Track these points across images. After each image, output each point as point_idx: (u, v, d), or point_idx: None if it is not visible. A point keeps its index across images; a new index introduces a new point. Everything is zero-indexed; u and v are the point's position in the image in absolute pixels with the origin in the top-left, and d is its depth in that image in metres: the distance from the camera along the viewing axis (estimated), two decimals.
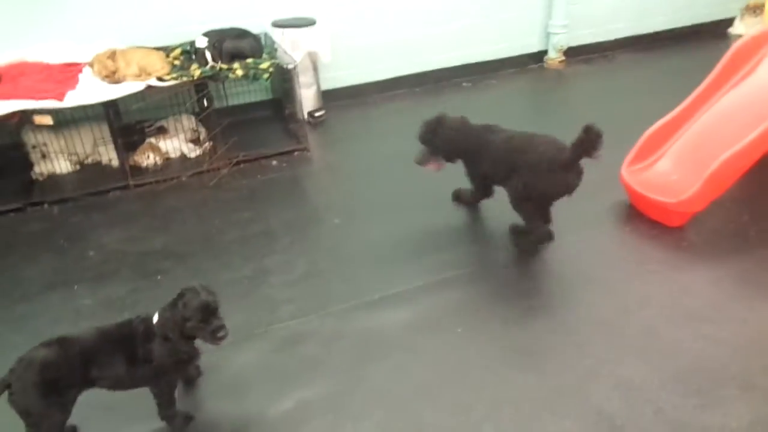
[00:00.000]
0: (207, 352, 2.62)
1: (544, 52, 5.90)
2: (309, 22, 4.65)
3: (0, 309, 3.01)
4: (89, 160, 4.35)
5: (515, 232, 3.23)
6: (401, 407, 2.35)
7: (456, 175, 3.52)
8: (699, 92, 3.52)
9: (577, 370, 2.46)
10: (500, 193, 3.27)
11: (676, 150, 3.44)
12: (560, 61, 5.86)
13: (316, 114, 4.99)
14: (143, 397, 2.37)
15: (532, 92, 5.61)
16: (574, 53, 5.90)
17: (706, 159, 3.09)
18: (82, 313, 2.96)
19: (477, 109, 5.11)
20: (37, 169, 4.15)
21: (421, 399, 2.38)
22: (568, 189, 2.98)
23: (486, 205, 3.63)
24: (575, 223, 3.39)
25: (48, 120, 3.73)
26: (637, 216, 3.39)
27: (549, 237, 3.17)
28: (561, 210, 3.51)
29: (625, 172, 3.41)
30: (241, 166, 4.26)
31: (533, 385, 2.41)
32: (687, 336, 2.58)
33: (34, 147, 4.10)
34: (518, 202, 3.08)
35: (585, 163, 3.96)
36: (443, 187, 3.88)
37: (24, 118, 3.73)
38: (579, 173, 2.95)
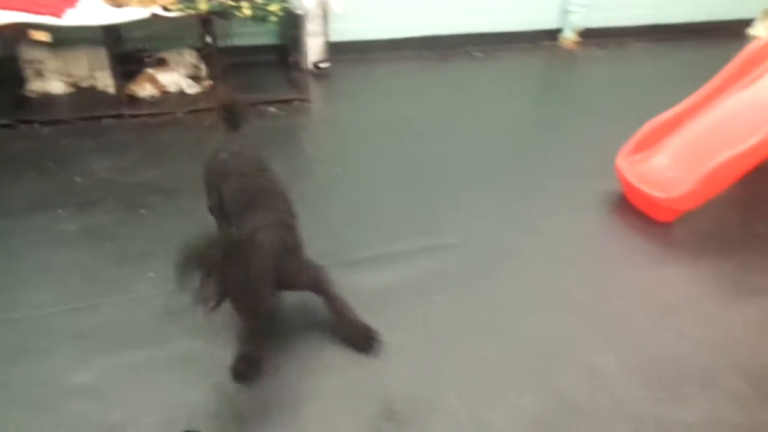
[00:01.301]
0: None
1: (560, 30, 5.80)
2: None
3: None
4: (85, 84, 4.27)
5: None
6: (367, 371, 2.36)
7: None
8: (706, 90, 3.48)
9: (544, 352, 2.48)
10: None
11: (676, 146, 3.41)
12: (575, 42, 5.77)
13: (321, 65, 4.91)
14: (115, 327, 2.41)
15: (543, 69, 5.54)
16: (589, 35, 5.81)
17: (704, 158, 3.07)
18: (64, 238, 2.94)
19: (486, 82, 5.08)
20: (30, 86, 4.07)
21: (389, 364, 2.39)
22: None
23: (482, 177, 3.64)
24: (563, 207, 3.39)
25: (45, 36, 3.63)
26: (628, 207, 3.39)
27: None
28: (549, 192, 3.52)
29: (622, 161, 3.39)
30: None
31: (501, 359, 2.44)
32: (658, 329, 2.61)
33: (29, 63, 4.02)
34: None
35: (581, 146, 3.98)
36: (440, 156, 3.87)
37: (20, 31, 3.63)
38: None
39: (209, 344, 2.42)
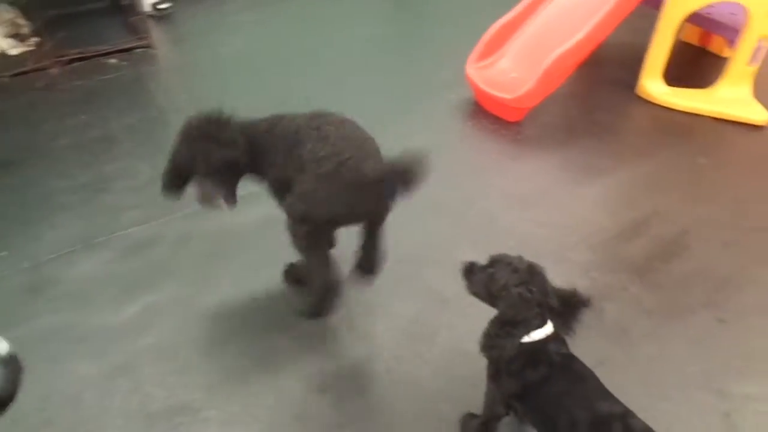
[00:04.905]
0: (39, 266, 2.52)
1: None
2: None
3: None
4: None
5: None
6: (250, 303, 2.39)
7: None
8: None
9: (419, 258, 2.61)
10: None
11: (516, 48, 3.58)
12: None
13: (161, 6, 4.60)
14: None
15: None
16: None
17: (541, 56, 3.26)
18: None
19: (337, 8, 5.00)
20: None
21: (271, 294, 2.44)
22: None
23: (342, 105, 3.64)
24: (421, 122, 3.50)
25: None
26: (481, 112, 3.56)
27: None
28: (408, 110, 3.61)
29: (471, 69, 3.52)
30: (75, 65, 3.89)
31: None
32: (517, 220, 2.82)
33: None
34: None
35: (435, 60, 4.09)
36: (298, 88, 3.82)
37: None
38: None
39: (77, 313, 2.33)
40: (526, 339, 1.66)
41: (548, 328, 1.68)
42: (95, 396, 2.04)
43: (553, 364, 1.65)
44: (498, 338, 1.68)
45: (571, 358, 1.70)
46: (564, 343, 1.72)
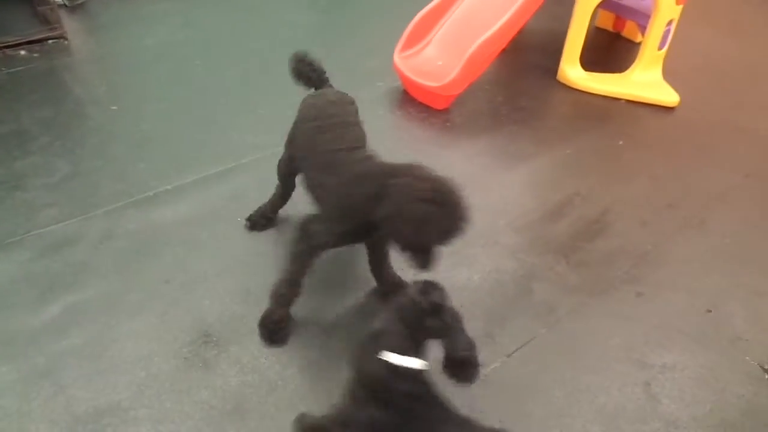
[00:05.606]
0: None
1: None
2: None
3: None
4: None
5: None
6: (179, 298, 2.33)
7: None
8: None
9: (348, 251, 2.60)
10: None
11: (441, 37, 3.63)
12: None
13: None
14: None
15: None
16: None
17: (465, 45, 3.32)
18: None
19: None
20: None
21: (200, 288, 2.38)
22: None
23: (270, 92, 3.59)
24: None
25: None
26: (409, 100, 3.59)
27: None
28: None
29: (398, 58, 3.54)
30: None
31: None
32: None
33: None
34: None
35: (363, 49, 4.07)
36: (223, 77, 3.74)
37: None
38: None
39: None
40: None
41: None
42: (15, 401, 1.93)
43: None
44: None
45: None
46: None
